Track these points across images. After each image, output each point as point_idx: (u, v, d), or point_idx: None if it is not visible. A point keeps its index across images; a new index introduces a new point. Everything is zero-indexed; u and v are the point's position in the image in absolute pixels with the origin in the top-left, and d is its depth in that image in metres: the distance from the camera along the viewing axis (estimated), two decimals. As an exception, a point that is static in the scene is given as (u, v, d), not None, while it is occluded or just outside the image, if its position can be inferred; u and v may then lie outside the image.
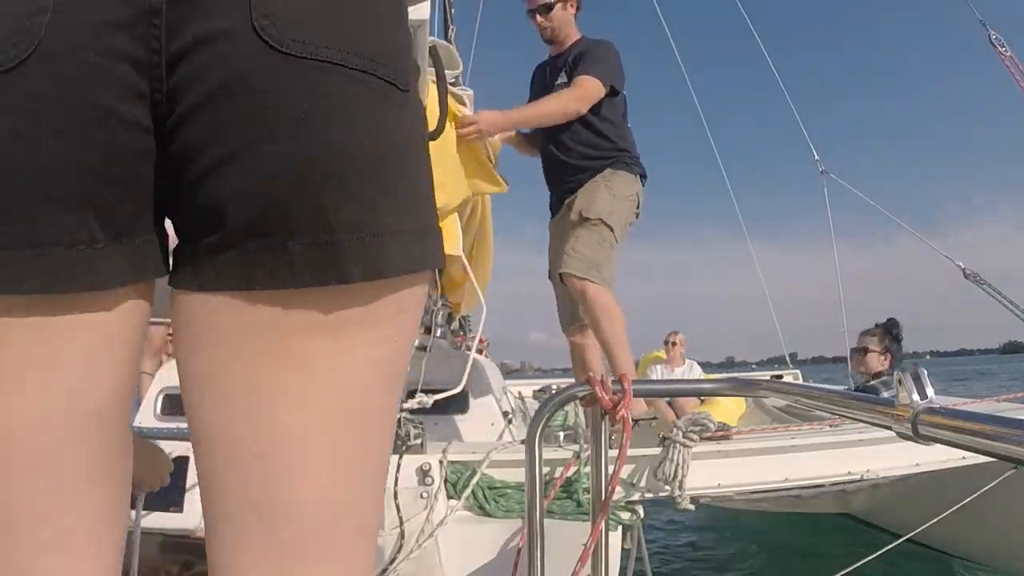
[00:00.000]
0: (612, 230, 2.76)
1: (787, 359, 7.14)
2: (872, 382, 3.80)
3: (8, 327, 0.54)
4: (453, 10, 6.36)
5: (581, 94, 2.78)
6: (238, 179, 0.55)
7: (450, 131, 2.36)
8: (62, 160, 0.53)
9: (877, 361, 3.86)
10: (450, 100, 2.35)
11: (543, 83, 3.07)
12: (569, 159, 2.93)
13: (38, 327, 0.55)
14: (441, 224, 2.48)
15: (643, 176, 2.97)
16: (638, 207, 2.94)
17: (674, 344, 6.10)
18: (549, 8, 2.95)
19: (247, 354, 0.59)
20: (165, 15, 0.54)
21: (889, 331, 3.89)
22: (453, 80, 2.39)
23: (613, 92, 2.86)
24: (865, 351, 3.89)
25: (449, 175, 2.30)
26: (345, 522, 0.62)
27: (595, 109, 2.84)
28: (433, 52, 2.09)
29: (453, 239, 2.42)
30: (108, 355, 0.60)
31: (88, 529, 0.60)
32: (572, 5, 2.99)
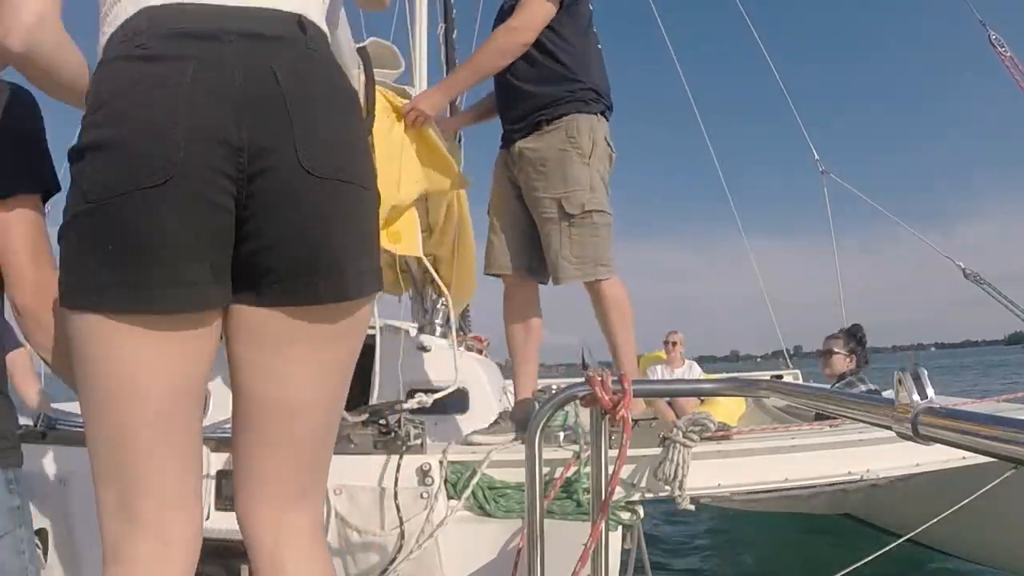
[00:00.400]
0: (603, 211, 2.42)
1: (787, 353, 7.16)
2: (837, 383, 3.83)
3: (156, 329, 0.98)
4: (455, 12, 6.37)
5: (520, 22, 2.39)
6: (289, 251, 1.01)
7: (397, 127, 2.28)
8: (194, 234, 0.96)
9: (843, 363, 3.91)
10: (391, 95, 2.28)
11: (500, 8, 2.66)
12: (519, 82, 2.48)
13: (173, 331, 1.00)
14: (399, 226, 2.50)
15: (605, 111, 2.51)
16: (611, 149, 2.52)
17: (674, 344, 6.11)
18: None
19: (282, 347, 1.08)
20: (247, 152, 0.96)
21: (853, 335, 3.94)
22: (396, 78, 2.34)
23: (565, 4, 2.43)
24: (830, 353, 3.96)
25: (402, 172, 2.24)
26: (328, 443, 1.20)
27: (548, 25, 2.41)
28: (362, 52, 2.13)
29: (412, 241, 2.35)
30: (206, 350, 1.06)
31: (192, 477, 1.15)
32: None
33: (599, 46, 2.59)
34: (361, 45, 2.06)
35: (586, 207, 2.39)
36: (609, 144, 2.51)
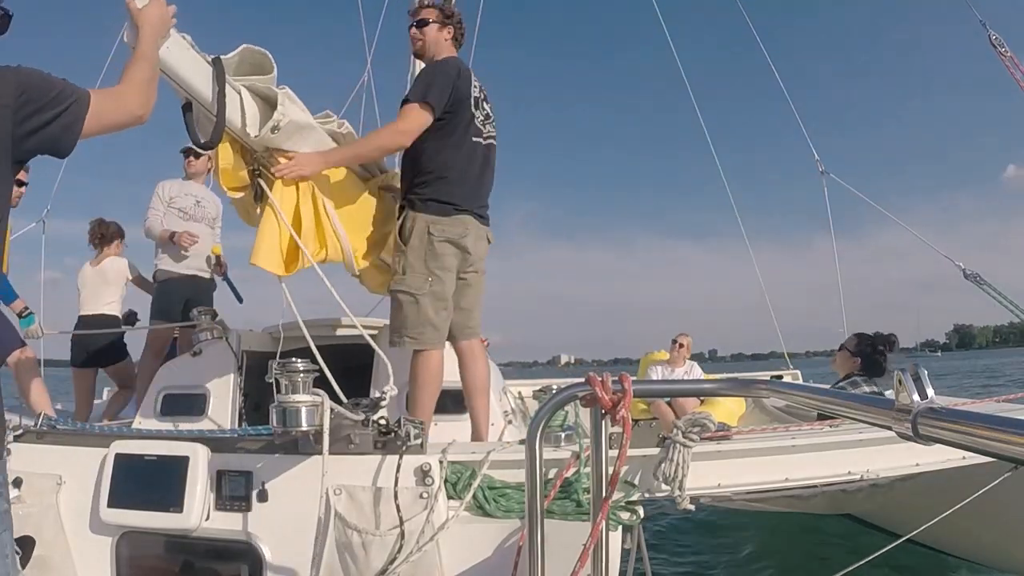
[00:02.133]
0: (407, 292, 2.82)
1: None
2: (843, 382, 3.85)
3: None
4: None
5: (399, 126, 2.79)
6: None
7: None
8: None
9: (848, 362, 3.93)
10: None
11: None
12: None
13: None
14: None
15: (446, 210, 2.84)
16: (440, 236, 2.82)
17: (681, 345, 6.18)
18: (423, 24, 3.03)
19: None
20: None
21: (869, 340, 3.93)
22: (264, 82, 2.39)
23: (439, 116, 2.80)
24: (840, 348, 4.01)
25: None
26: None
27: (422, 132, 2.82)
28: (216, 62, 2.20)
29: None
30: None
31: None
32: (448, 31, 3.04)
33: (481, 140, 2.95)
34: (219, 56, 2.14)
35: (392, 288, 2.87)
36: (431, 233, 2.83)
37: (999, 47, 4.11)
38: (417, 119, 2.76)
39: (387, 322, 3.59)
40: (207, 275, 4.53)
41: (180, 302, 4.30)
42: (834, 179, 6.02)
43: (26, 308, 3.85)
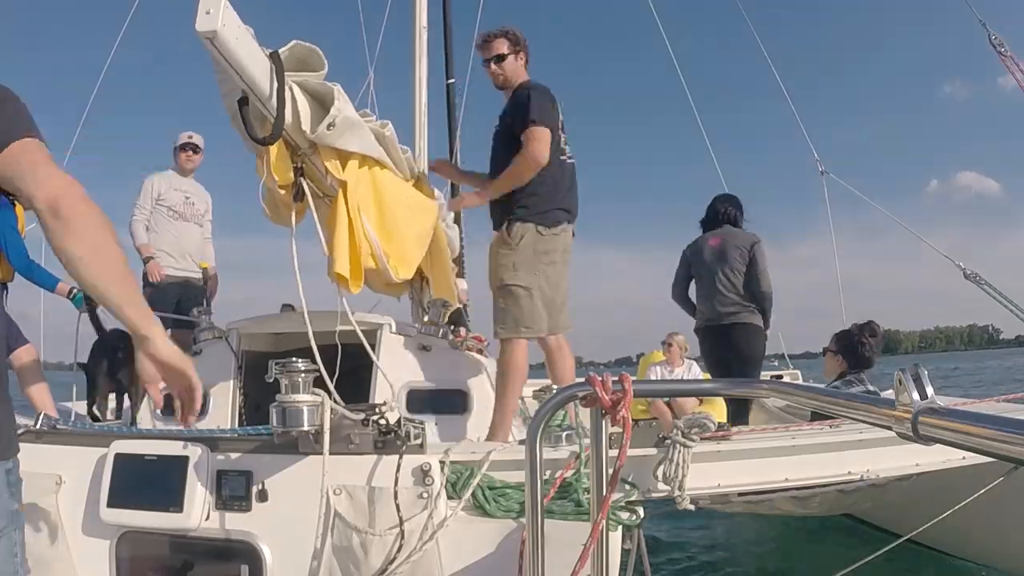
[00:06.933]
0: (522, 285, 3.12)
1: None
2: (836, 382, 3.83)
3: None
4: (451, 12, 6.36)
5: (538, 153, 3.05)
6: None
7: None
8: None
9: (834, 362, 3.90)
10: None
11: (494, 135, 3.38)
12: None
13: None
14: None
15: (546, 217, 3.16)
16: (546, 238, 3.15)
17: (670, 345, 6.11)
18: (501, 59, 3.30)
19: None
20: None
21: (844, 335, 3.90)
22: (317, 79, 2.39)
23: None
24: (824, 352, 3.98)
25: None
26: None
27: None
28: (273, 57, 2.18)
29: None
30: None
31: None
32: (521, 57, 3.34)
33: (566, 160, 3.28)
34: (276, 51, 2.13)
35: (505, 282, 3.12)
36: (540, 233, 3.15)
37: (999, 47, 4.10)
38: (547, 139, 3.07)
39: (384, 320, 3.59)
40: (198, 278, 4.50)
41: (173, 304, 4.29)
42: (834, 179, 6.03)
43: (72, 288, 3.77)
